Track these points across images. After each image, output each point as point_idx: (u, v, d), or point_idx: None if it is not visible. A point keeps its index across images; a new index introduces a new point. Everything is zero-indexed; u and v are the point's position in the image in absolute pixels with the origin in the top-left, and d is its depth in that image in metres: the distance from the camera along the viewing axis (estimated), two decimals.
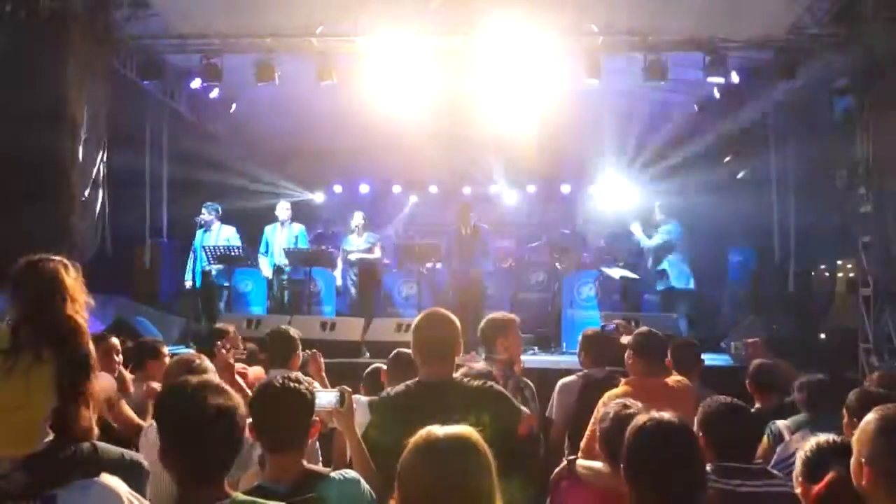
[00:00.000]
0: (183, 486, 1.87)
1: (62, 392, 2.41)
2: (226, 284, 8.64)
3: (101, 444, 2.47)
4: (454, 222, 9.06)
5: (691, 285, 8.69)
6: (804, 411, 3.81)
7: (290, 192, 11.47)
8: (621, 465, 2.11)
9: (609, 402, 3.08)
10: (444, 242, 8.93)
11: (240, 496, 1.90)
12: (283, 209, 9.07)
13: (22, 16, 7.17)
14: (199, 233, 8.78)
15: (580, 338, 4.84)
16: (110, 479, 2.10)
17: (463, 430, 1.77)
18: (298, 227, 9.18)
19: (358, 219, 9.39)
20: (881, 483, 1.77)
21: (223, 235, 8.67)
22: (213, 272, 8.59)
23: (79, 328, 2.52)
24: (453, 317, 2.94)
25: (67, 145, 7.07)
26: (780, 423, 3.69)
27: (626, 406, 2.87)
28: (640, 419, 2.17)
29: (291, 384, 2.36)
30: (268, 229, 9.10)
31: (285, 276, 9.02)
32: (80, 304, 2.62)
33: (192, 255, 8.82)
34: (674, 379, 3.96)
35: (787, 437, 3.52)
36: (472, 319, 8.26)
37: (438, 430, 1.76)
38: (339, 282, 9.71)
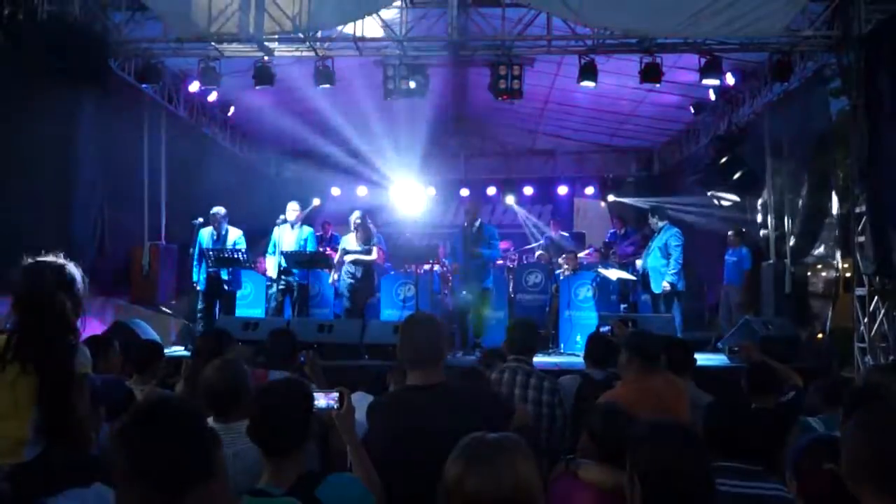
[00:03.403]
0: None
1: (49, 404, 2.43)
2: (225, 287, 8.63)
3: (97, 453, 2.49)
4: (459, 222, 9.05)
5: (683, 286, 8.71)
6: (825, 410, 3.72)
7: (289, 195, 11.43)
8: (628, 470, 2.10)
9: (601, 403, 3.11)
10: (450, 242, 8.94)
11: (246, 497, 1.92)
12: (291, 210, 8.99)
13: (20, 19, 7.19)
14: (207, 233, 8.66)
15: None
16: (103, 489, 2.10)
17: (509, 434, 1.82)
18: (308, 230, 9.09)
19: (356, 218, 9.34)
20: (867, 481, 1.80)
21: (231, 238, 8.64)
22: (217, 275, 8.57)
23: (65, 349, 2.53)
24: (438, 320, 2.98)
25: (66, 148, 7.09)
26: (812, 421, 3.49)
27: (616, 406, 2.89)
28: (646, 424, 2.17)
29: (290, 386, 2.38)
30: (276, 231, 8.99)
31: (283, 279, 9.00)
32: (74, 321, 2.63)
33: (199, 258, 8.71)
34: (668, 379, 3.99)
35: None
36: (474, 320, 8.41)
37: (486, 435, 1.79)
38: (332, 278, 9.65)
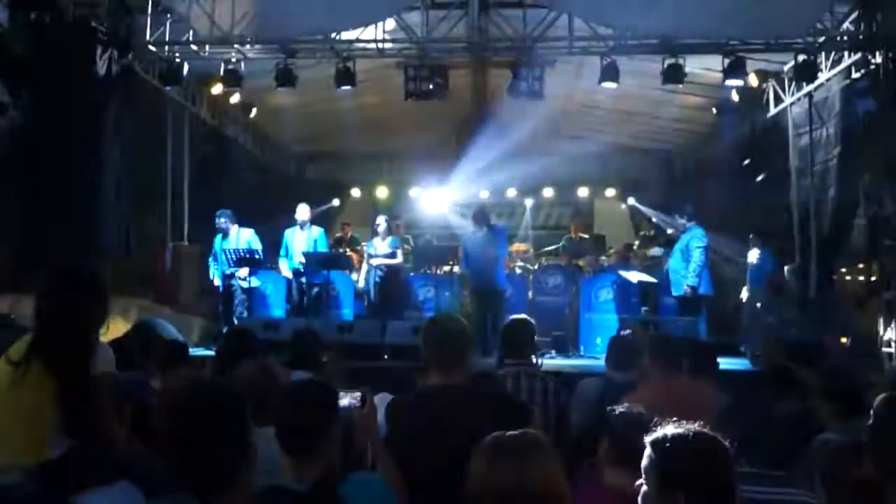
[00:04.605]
0: None
1: (69, 404, 2.46)
2: (246, 287, 8.70)
3: (122, 451, 2.51)
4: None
5: (711, 290, 8.61)
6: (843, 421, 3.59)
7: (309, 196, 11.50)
8: (659, 481, 2.05)
9: (622, 406, 3.08)
10: (462, 244, 8.97)
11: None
12: (303, 212, 9.08)
13: (47, 22, 7.30)
14: (217, 238, 8.81)
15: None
16: (128, 488, 2.11)
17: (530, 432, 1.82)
18: (318, 231, 9.17)
19: (382, 222, 9.41)
20: (884, 472, 1.77)
21: (243, 238, 8.70)
22: (234, 275, 8.64)
23: (84, 350, 2.56)
24: (463, 321, 2.96)
25: (92, 149, 7.18)
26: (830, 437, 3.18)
27: (635, 410, 2.86)
28: (670, 431, 2.14)
29: (316, 386, 2.39)
30: (287, 233, 9.09)
31: (304, 279, 9.06)
32: (96, 321, 2.65)
33: (213, 259, 8.86)
34: (690, 383, 3.95)
35: None
36: (491, 322, 8.39)
37: (510, 433, 1.80)
38: (360, 283, 9.71)
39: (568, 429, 3.84)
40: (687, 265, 8.31)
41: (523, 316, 4.52)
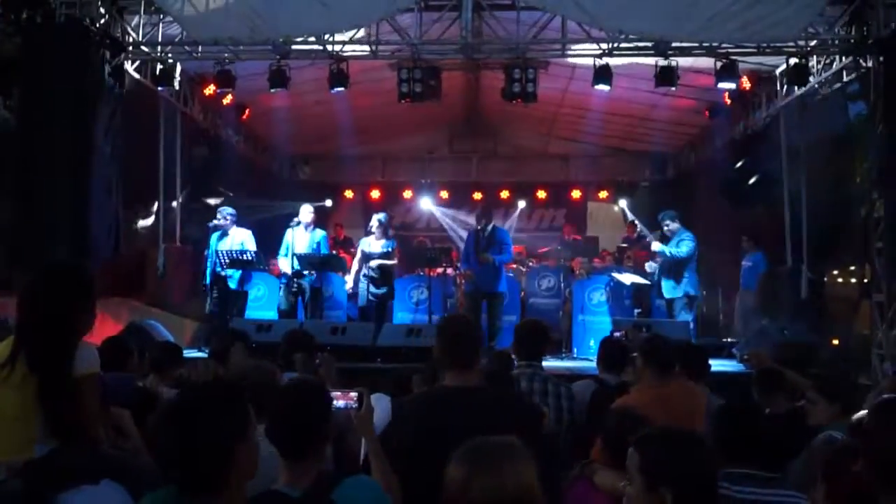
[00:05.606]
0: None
1: (48, 404, 2.45)
2: (238, 289, 8.66)
3: (106, 450, 2.49)
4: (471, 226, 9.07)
5: (699, 292, 8.65)
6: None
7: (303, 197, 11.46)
8: (647, 481, 2.06)
9: (615, 408, 3.09)
10: (463, 245, 8.95)
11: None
12: (306, 213, 9.01)
13: (38, 21, 7.26)
14: (214, 236, 8.76)
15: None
16: (112, 486, 2.10)
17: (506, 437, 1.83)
18: (320, 233, 9.09)
19: (376, 222, 9.35)
20: (877, 475, 1.77)
21: (238, 239, 8.66)
22: (227, 276, 8.61)
23: (62, 350, 2.54)
24: (474, 322, 2.95)
25: (83, 149, 7.14)
26: (836, 434, 3.20)
27: (628, 412, 2.87)
28: (654, 431, 2.15)
29: (309, 387, 2.37)
30: (289, 232, 8.95)
31: (296, 281, 9.02)
32: (80, 322, 2.62)
33: (207, 259, 8.81)
34: (683, 385, 3.97)
35: None
36: (490, 324, 8.42)
37: (489, 439, 1.81)
38: (349, 285, 9.64)
39: (580, 430, 3.86)
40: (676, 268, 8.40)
41: (535, 318, 4.53)
